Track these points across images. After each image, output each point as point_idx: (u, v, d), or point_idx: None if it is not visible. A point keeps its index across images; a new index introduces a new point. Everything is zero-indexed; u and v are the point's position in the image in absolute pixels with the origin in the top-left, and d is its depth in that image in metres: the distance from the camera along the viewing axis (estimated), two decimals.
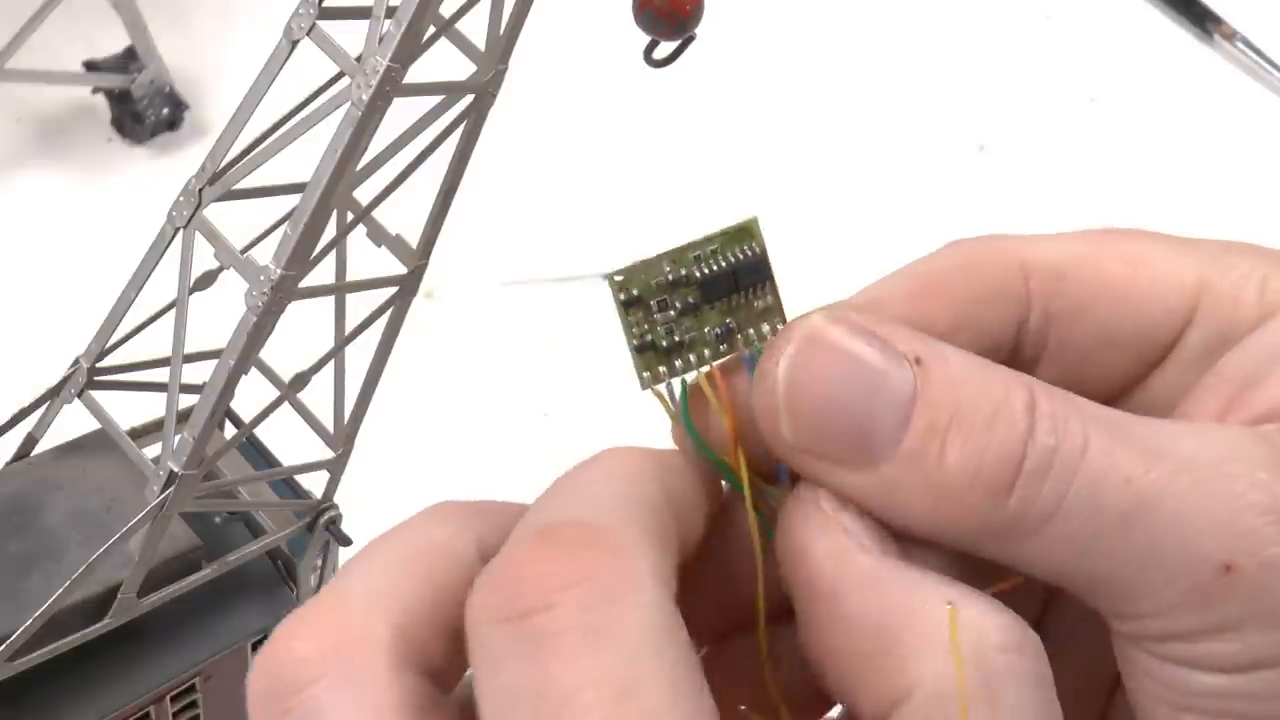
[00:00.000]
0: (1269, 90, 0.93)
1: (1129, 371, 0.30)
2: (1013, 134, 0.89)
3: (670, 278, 0.29)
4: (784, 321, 0.30)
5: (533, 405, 0.74)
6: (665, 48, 0.35)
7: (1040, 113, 0.91)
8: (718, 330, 0.30)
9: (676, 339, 0.29)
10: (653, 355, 0.29)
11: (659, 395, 0.29)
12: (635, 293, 0.29)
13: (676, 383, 0.29)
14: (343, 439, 0.52)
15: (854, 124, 0.89)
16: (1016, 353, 0.30)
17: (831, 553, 0.27)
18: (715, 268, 0.30)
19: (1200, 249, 0.30)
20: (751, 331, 0.30)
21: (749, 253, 0.30)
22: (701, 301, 0.30)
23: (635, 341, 0.29)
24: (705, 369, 0.29)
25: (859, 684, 0.26)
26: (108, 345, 0.50)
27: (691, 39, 0.35)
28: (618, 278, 0.29)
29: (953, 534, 0.27)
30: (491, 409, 0.74)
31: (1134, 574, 0.26)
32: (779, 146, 0.85)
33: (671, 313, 0.29)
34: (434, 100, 0.45)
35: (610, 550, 0.25)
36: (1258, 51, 0.93)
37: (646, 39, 0.35)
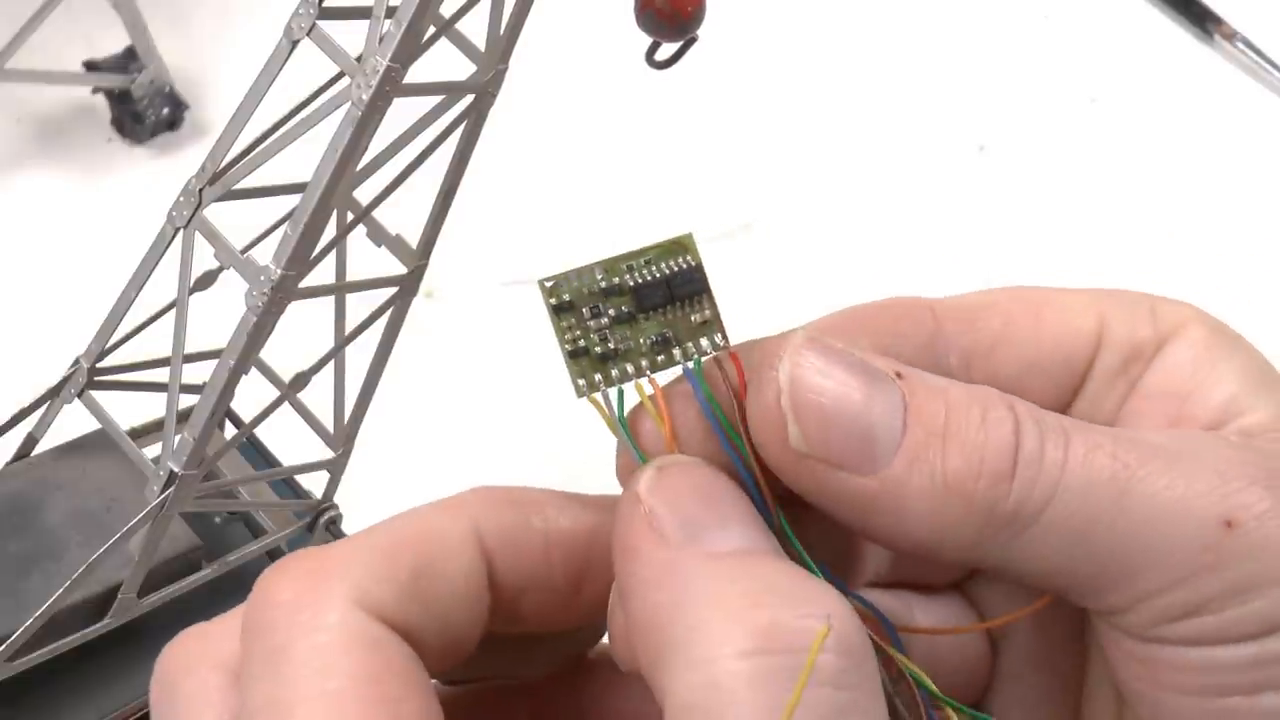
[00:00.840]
0: (1269, 90, 0.93)
1: (1054, 398, 0.31)
2: (1013, 134, 0.89)
3: (603, 285, 0.29)
4: (723, 335, 0.30)
5: (533, 405, 0.74)
6: (667, 49, 0.35)
7: (1040, 113, 0.91)
8: (653, 339, 0.30)
9: (611, 346, 0.29)
10: (587, 362, 0.29)
11: (596, 404, 0.29)
12: (566, 298, 0.29)
13: (614, 393, 0.29)
14: (343, 439, 0.52)
15: (854, 124, 0.89)
16: None
17: (631, 545, 0.27)
18: (648, 277, 0.30)
19: (1087, 290, 0.32)
20: (690, 345, 0.30)
21: (683, 265, 0.30)
22: (636, 311, 0.30)
23: (568, 347, 0.29)
24: (643, 379, 0.29)
25: (648, 680, 0.26)
26: (108, 345, 0.50)
27: (693, 40, 0.35)
28: (548, 282, 0.29)
29: (957, 536, 0.28)
30: (491, 409, 0.74)
31: (1138, 546, 0.27)
32: (780, 147, 0.85)
33: (605, 320, 0.29)
34: (434, 100, 0.45)
35: (311, 574, 0.27)
36: (1258, 51, 0.93)
37: (648, 40, 0.35)
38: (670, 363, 0.30)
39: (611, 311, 0.29)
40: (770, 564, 0.27)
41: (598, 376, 0.29)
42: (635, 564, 0.27)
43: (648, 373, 0.29)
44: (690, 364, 0.29)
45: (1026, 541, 0.27)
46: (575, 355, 0.29)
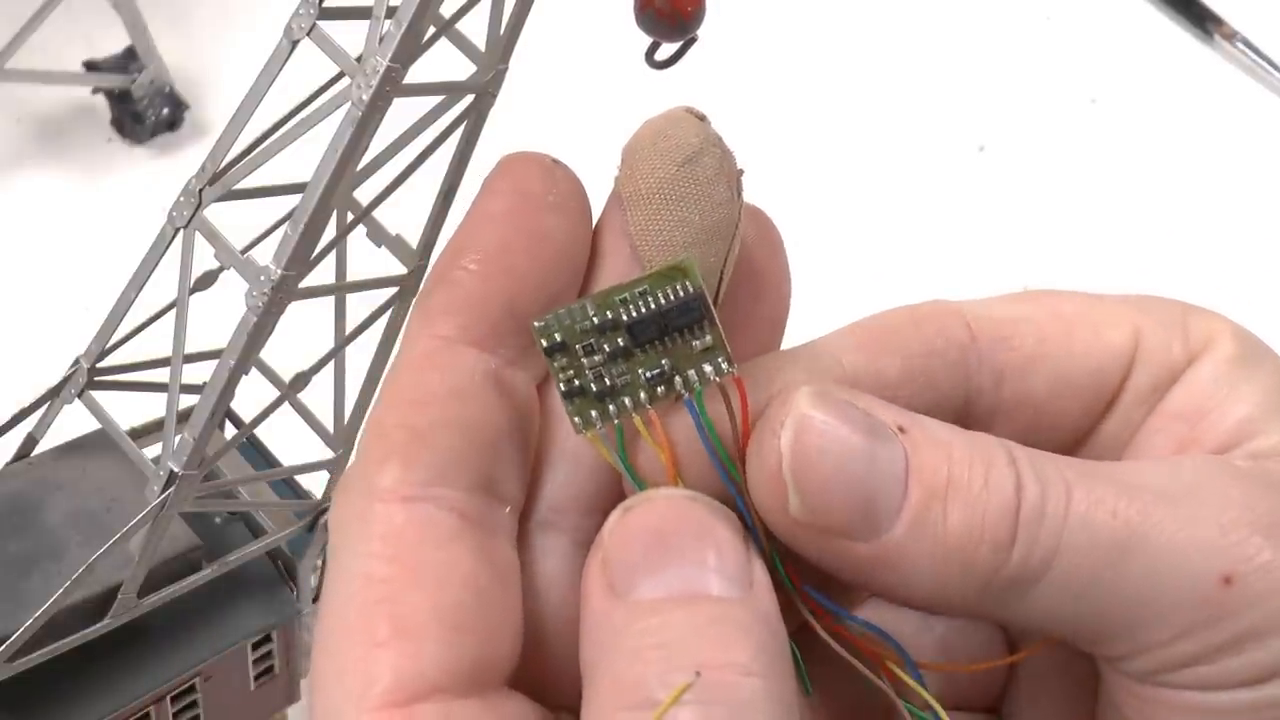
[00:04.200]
0: (1269, 90, 0.93)
1: (1084, 417, 0.31)
2: (1013, 134, 0.89)
3: (595, 321, 0.29)
4: (728, 360, 0.29)
5: None
6: (667, 49, 0.35)
7: (1040, 113, 0.91)
8: (651, 373, 0.29)
9: (608, 383, 0.29)
10: (583, 401, 0.29)
11: (595, 441, 0.29)
12: (558, 338, 0.29)
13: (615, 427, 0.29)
14: (343, 439, 0.52)
15: (854, 124, 0.89)
16: (968, 411, 0.30)
17: (585, 590, 0.28)
18: (643, 310, 0.29)
19: (1123, 300, 0.32)
20: (691, 373, 0.29)
21: (681, 293, 0.29)
22: (632, 345, 0.29)
23: (563, 387, 0.29)
24: (640, 412, 0.29)
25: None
26: (108, 345, 0.50)
27: (693, 40, 0.35)
28: (538, 323, 0.29)
29: (960, 596, 0.28)
30: None
31: (1140, 602, 0.27)
32: (779, 147, 0.85)
33: (599, 357, 0.29)
34: (434, 100, 0.45)
35: (368, 463, 0.28)
36: (1258, 51, 0.92)
37: (648, 40, 0.35)
38: (670, 393, 0.29)
39: (606, 347, 0.29)
40: (692, 610, 0.26)
41: (594, 414, 0.29)
42: (585, 608, 0.27)
43: (646, 406, 0.29)
44: (690, 395, 0.29)
45: (1029, 600, 0.27)
46: (570, 395, 0.29)
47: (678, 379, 0.29)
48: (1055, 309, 0.31)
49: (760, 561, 0.28)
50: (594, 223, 0.31)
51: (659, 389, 0.29)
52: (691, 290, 0.29)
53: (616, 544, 0.27)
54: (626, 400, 0.29)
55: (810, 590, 0.29)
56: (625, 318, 0.29)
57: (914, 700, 0.30)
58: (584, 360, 0.29)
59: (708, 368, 0.29)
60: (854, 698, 0.31)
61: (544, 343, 0.29)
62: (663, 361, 0.29)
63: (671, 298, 0.29)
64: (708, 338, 0.29)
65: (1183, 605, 0.27)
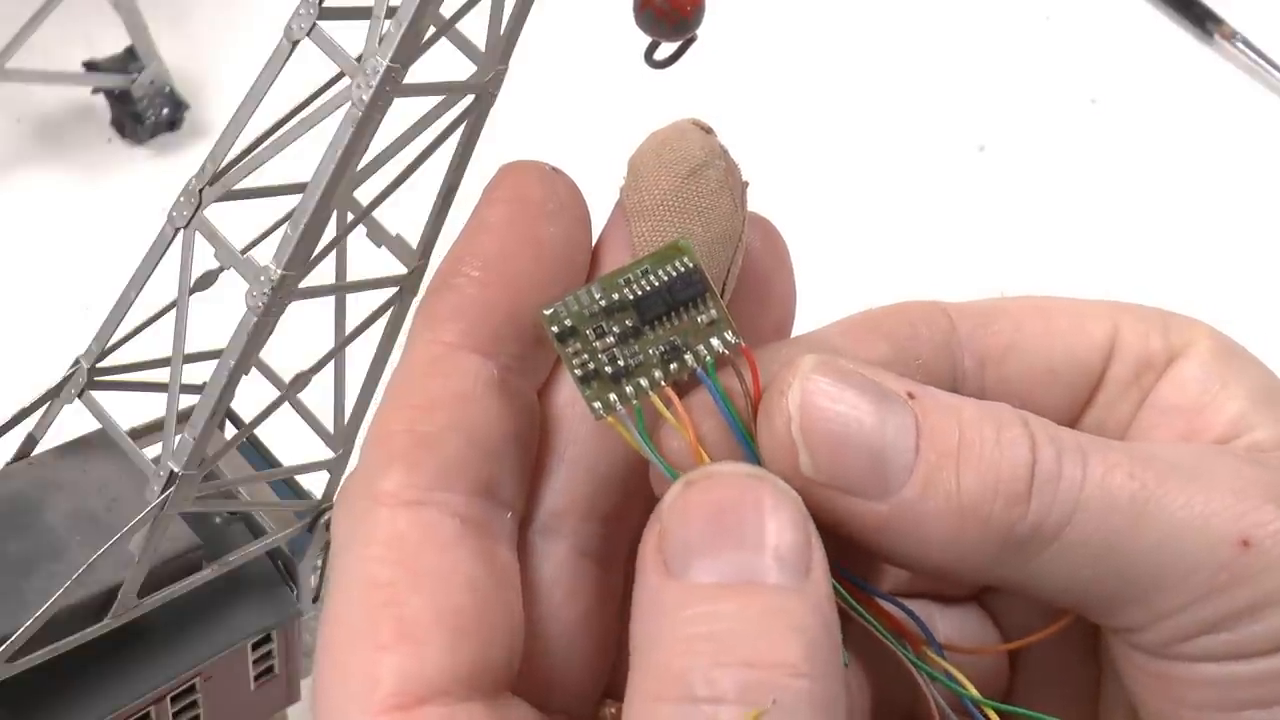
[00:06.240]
0: (1269, 90, 0.93)
1: (1066, 406, 0.31)
2: (1013, 134, 0.89)
3: (603, 304, 0.29)
4: (733, 332, 0.29)
5: None
6: (666, 48, 0.35)
7: (1040, 113, 0.91)
8: (662, 349, 0.29)
9: (621, 364, 0.29)
10: (600, 384, 0.29)
11: (617, 425, 0.29)
12: (568, 323, 0.29)
13: (635, 409, 0.29)
14: (343, 439, 0.52)
15: (854, 124, 0.89)
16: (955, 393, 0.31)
17: (640, 566, 0.28)
18: (647, 287, 0.29)
19: (1100, 301, 0.32)
20: (701, 348, 0.29)
21: (680, 269, 0.30)
22: (641, 324, 0.29)
23: (578, 372, 0.29)
24: (661, 389, 0.29)
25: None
26: (108, 345, 0.50)
27: (693, 40, 0.35)
28: (547, 310, 0.29)
29: (975, 556, 0.27)
30: None
31: (1156, 565, 0.27)
32: (779, 147, 0.85)
33: (610, 339, 0.29)
34: (434, 100, 0.45)
35: (371, 467, 0.29)
36: (1258, 51, 0.92)
37: (647, 40, 0.35)
38: (683, 370, 0.29)
39: (616, 329, 0.29)
40: (746, 600, 0.26)
41: (613, 397, 0.29)
42: (638, 582, 0.27)
43: (661, 384, 0.29)
44: (702, 367, 0.29)
45: (1044, 561, 0.27)
46: (586, 379, 0.29)
47: (688, 355, 0.29)
48: (1034, 303, 0.32)
49: (820, 544, 0.27)
50: (594, 228, 0.31)
51: (671, 365, 0.29)
52: (691, 264, 0.30)
53: (675, 519, 0.27)
54: (643, 381, 0.29)
55: (837, 565, 0.29)
56: (631, 296, 0.29)
57: (934, 670, 0.30)
58: (596, 343, 0.29)
59: (715, 341, 0.29)
60: (876, 677, 0.31)
61: (554, 329, 0.29)
62: (672, 338, 0.29)
63: (673, 273, 0.30)
64: (712, 311, 0.30)
65: (1201, 568, 0.27)
